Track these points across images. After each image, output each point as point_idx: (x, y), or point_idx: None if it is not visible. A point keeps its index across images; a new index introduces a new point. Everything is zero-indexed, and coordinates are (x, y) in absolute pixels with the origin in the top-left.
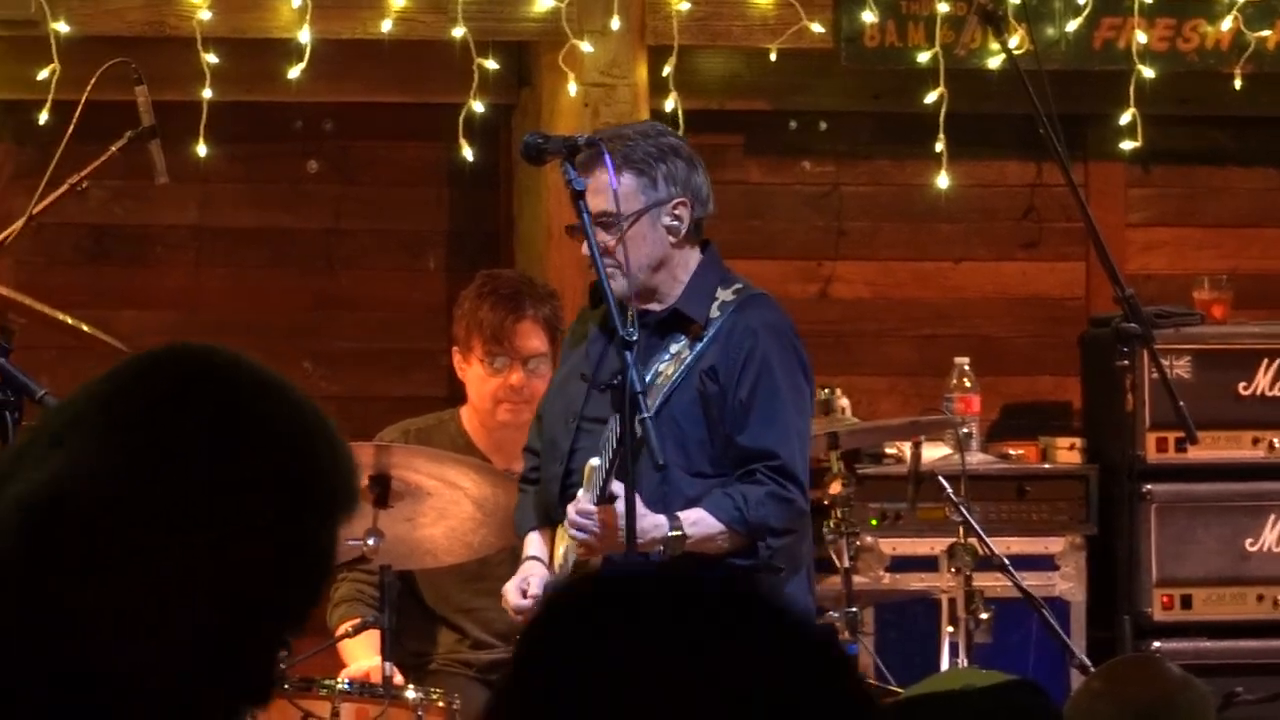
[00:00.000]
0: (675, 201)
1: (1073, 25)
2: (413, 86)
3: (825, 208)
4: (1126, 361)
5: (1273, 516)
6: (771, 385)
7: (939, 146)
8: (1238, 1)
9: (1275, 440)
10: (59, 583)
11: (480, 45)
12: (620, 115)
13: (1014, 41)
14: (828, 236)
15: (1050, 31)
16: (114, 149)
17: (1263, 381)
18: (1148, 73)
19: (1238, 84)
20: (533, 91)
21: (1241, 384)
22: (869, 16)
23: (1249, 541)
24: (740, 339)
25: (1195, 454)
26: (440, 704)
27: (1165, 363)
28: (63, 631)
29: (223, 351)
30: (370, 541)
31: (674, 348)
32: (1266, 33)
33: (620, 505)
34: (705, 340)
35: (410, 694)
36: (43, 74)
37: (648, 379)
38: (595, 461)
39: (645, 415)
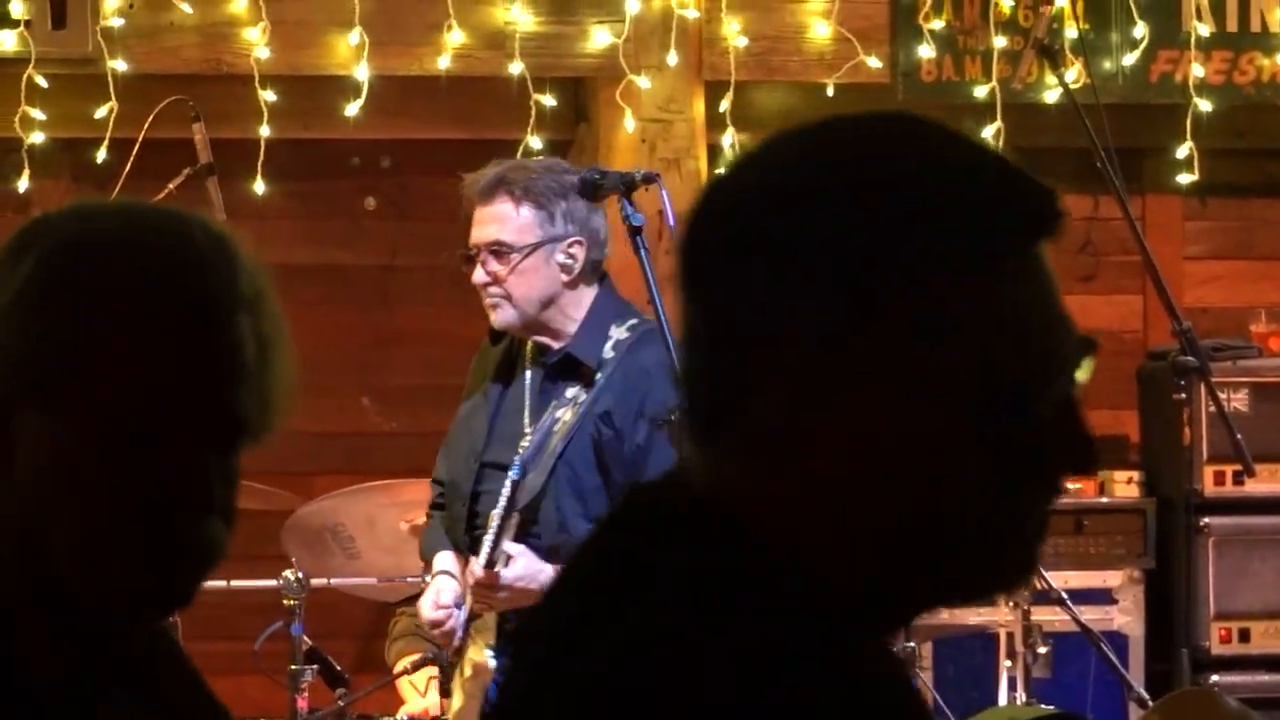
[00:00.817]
0: (571, 240)
1: (1130, 59)
2: (470, 123)
3: None
4: (1184, 395)
5: None
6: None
7: None
8: None
9: None
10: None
11: (537, 81)
12: (678, 150)
13: (1071, 75)
14: None
15: (1107, 65)
16: (171, 186)
17: None
18: (1204, 106)
19: None
20: (590, 127)
21: None
22: (926, 51)
23: None
24: (635, 379)
25: (1252, 487)
26: None
27: (1222, 396)
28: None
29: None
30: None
31: (570, 392)
32: None
33: (509, 571)
34: (599, 385)
35: None
36: (101, 112)
37: (549, 426)
38: (495, 513)
39: (514, 476)
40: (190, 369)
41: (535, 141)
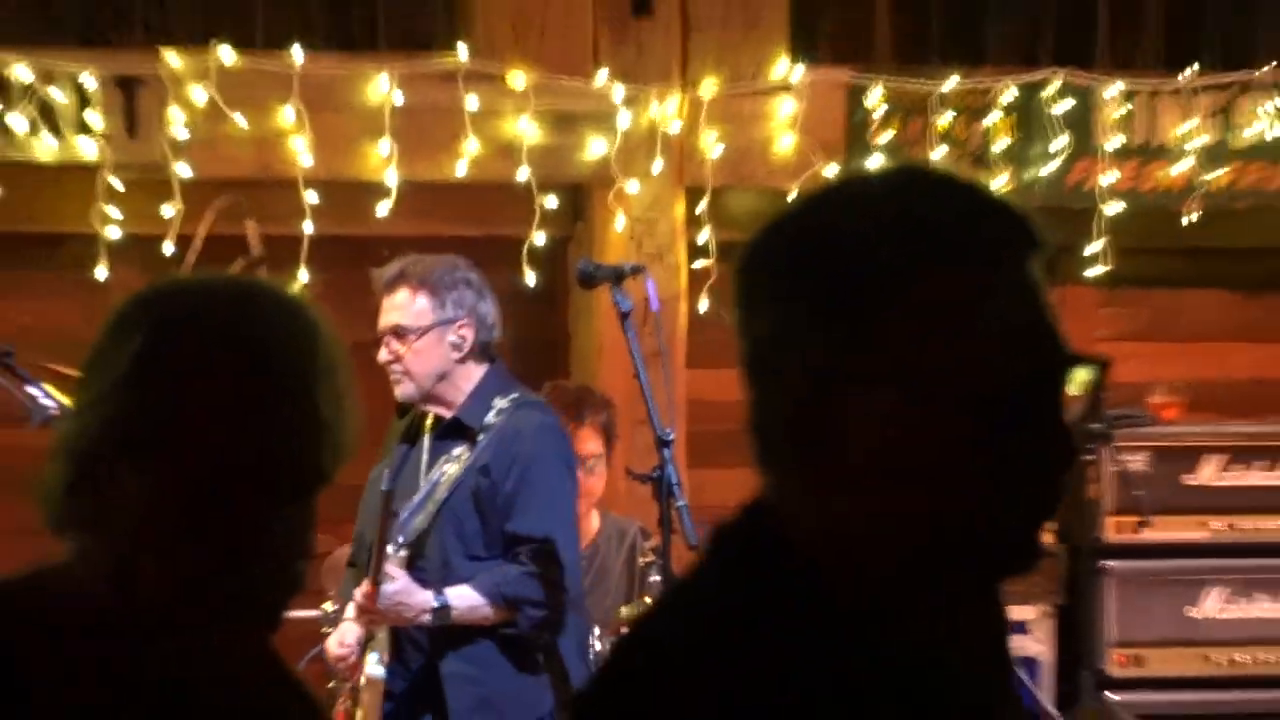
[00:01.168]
0: (460, 323)
1: (1049, 168)
2: (484, 221)
3: None
4: (1091, 456)
5: (1213, 589)
6: (534, 477)
7: None
8: (1193, 149)
9: (1213, 523)
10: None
11: (542, 186)
12: (661, 246)
13: (1002, 180)
14: None
15: (1030, 173)
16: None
17: (1206, 473)
18: (1113, 209)
19: (1192, 218)
20: (586, 225)
21: (1187, 475)
22: (876, 160)
23: (1192, 609)
24: (510, 439)
25: (1149, 535)
26: None
27: (1123, 457)
28: None
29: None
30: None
31: (456, 450)
32: (1219, 172)
33: (388, 587)
34: (480, 444)
35: None
36: (168, 211)
37: (436, 479)
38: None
39: (403, 516)
40: (273, 433)
41: (539, 237)
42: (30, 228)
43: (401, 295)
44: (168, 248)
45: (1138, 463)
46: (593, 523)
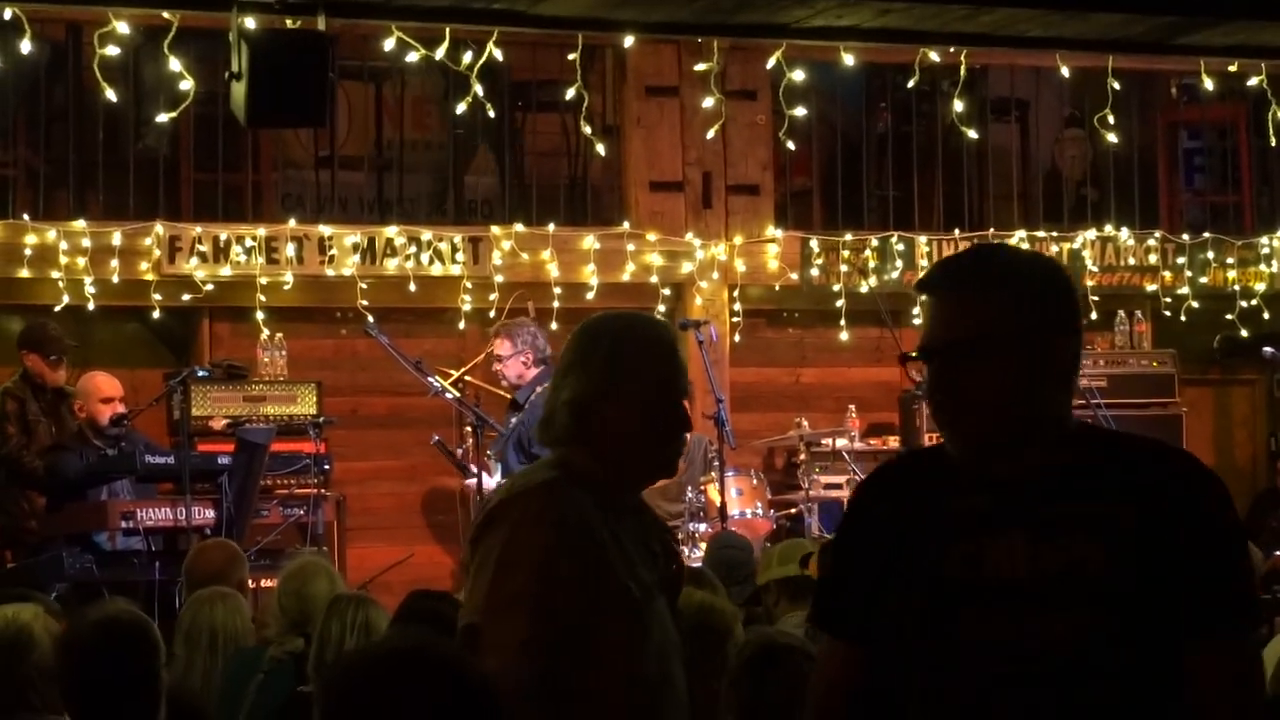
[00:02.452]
0: (520, 352)
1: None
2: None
3: None
4: None
5: None
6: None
7: None
8: None
9: None
10: None
11: (661, 284)
12: (718, 310)
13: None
14: None
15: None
16: None
17: None
18: None
19: None
20: (681, 304)
21: None
22: (815, 272)
23: None
24: (536, 403)
25: None
26: None
27: None
28: None
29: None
30: None
31: (514, 419)
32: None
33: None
34: (525, 411)
35: None
36: None
37: (511, 425)
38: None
39: (494, 448)
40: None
41: (661, 308)
42: None
43: (501, 341)
44: None
45: None
46: None
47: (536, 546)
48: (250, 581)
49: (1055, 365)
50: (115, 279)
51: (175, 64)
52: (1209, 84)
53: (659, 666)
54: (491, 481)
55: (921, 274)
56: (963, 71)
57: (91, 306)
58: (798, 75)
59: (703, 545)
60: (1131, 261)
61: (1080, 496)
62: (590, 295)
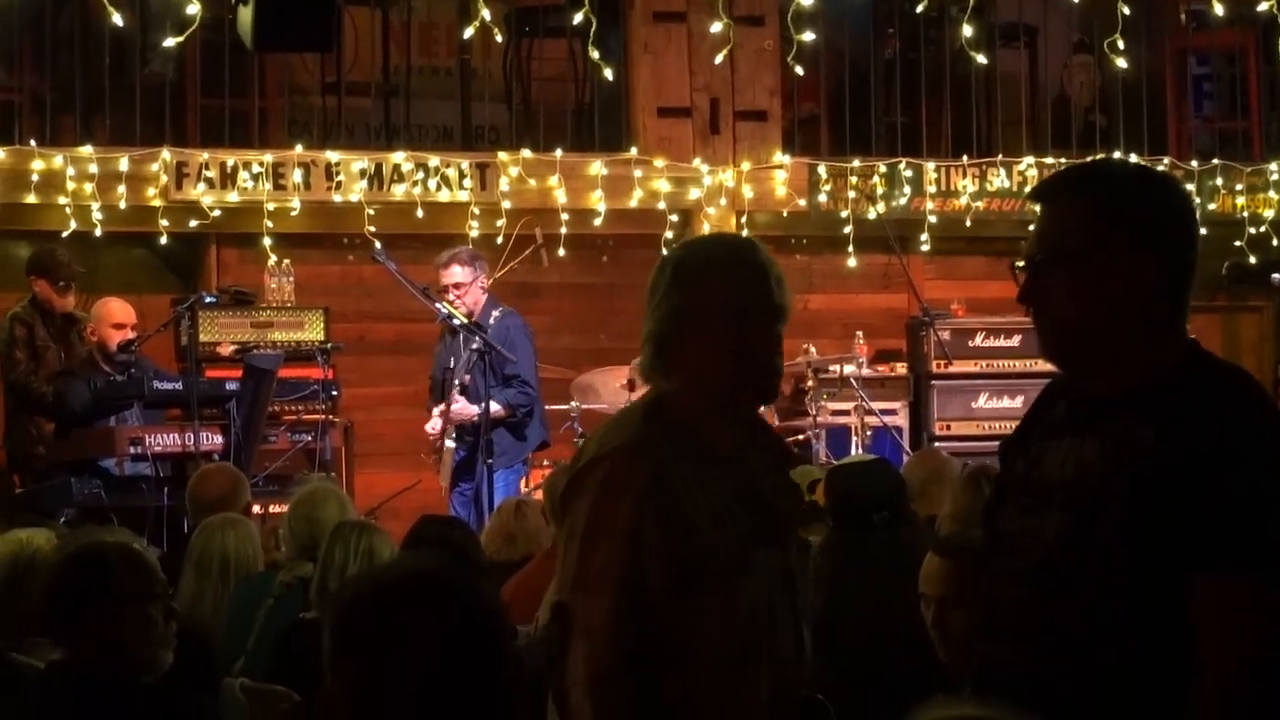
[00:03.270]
0: (478, 277)
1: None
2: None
3: None
4: None
5: None
6: (513, 344)
7: None
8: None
9: None
10: None
11: (670, 210)
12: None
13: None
14: None
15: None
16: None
17: None
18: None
19: None
20: (690, 229)
21: None
22: (822, 198)
23: None
24: (497, 328)
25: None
26: None
27: None
28: None
29: None
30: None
31: (475, 344)
32: None
33: (455, 405)
34: (486, 335)
35: None
36: None
37: (465, 357)
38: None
39: (458, 377)
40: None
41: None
42: None
43: (455, 267)
44: None
45: None
46: None
47: (622, 518)
48: (259, 507)
49: (1136, 282)
50: (122, 205)
51: None
52: (1219, 9)
53: (747, 633)
54: (465, 408)
55: (929, 200)
56: None
57: (98, 233)
58: (805, 0)
59: None
60: None
61: (1119, 417)
62: (598, 221)
